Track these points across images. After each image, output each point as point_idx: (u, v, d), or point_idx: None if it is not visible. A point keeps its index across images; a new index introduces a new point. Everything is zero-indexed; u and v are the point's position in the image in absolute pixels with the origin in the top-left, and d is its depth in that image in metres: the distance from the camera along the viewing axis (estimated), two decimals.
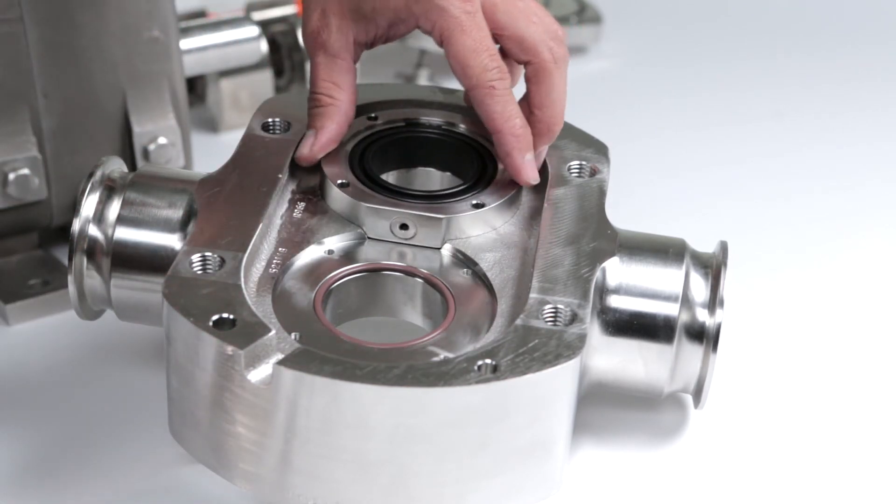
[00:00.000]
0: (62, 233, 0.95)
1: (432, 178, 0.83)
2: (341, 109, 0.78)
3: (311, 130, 0.78)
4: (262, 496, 0.69)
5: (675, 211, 1.03)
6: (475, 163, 0.80)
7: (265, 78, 1.11)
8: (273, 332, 0.66)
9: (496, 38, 0.77)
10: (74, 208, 0.76)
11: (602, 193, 0.79)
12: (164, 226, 0.75)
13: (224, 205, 0.75)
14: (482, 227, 0.77)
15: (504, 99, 0.76)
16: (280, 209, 0.77)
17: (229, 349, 0.65)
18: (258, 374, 0.66)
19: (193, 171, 0.87)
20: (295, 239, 0.75)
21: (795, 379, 0.86)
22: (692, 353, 0.74)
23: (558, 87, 0.77)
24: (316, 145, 0.78)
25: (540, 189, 0.80)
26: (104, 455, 0.77)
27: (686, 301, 0.74)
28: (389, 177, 0.82)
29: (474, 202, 0.77)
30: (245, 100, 1.11)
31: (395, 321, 0.77)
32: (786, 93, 1.24)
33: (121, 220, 0.75)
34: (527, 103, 0.77)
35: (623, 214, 0.81)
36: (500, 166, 0.80)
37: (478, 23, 0.75)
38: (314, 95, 0.78)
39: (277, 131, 0.82)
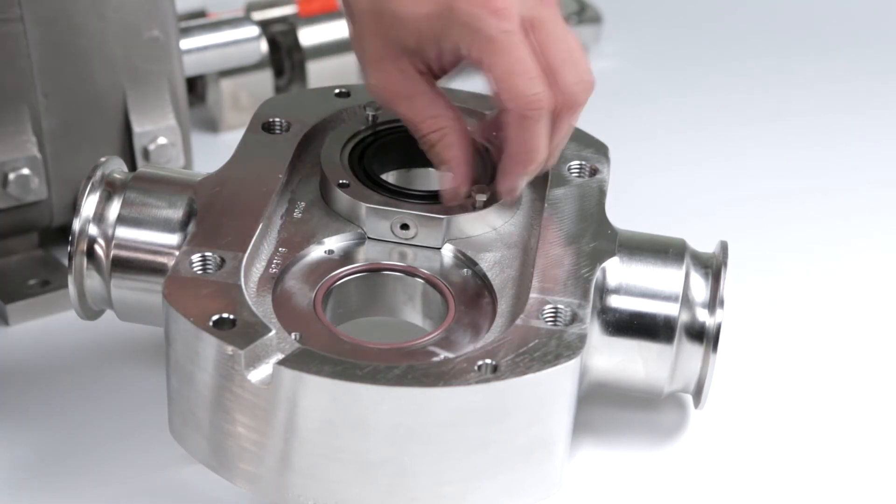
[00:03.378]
0: (62, 233, 0.95)
1: (432, 178, 0.83)
2: (453, 133, 0.74)
3: (442, 167, 0.75)
4: (262, 496, 0.69)
5: (675, 211, 1.02)
6: (475, 163, 0.80)
7: (265, 78, 1.11)
8: (273, 332, 0.66)
9: None
10: (74, 208, 0.76)
11: (602, 193, 0.79)
12: (164, 226, 0.75)
13: (224, 205, 0.75)
14: (482, 227, 0.77)
15: (533, 130, 0.71)
16: (280, 209, 0.77)
17: (229, 349, 0.65)
18: (258, 374, 0.66)
19: (193, 171, 0.87)
20: (295, 239, 0.75)
21: (795, 379, 0.86)
22: (692, 353, 0.74)
23: (525, 137, 0.72)
24: (458, 180, 0.75)
25: (540, 189, 0.80)
26: (104, 455, 0.77)
27: (686, 301, 0.74)
28: (389, 177, 0.82)
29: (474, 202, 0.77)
30: (245, 100, 1.11)
31: (395, 321, 0.77)
32: (786, 93, 1.24)
33: (121, 220, 0.75)
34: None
35: (623, 214, 0.80)
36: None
37: (516, 41, 0.69)
38: (422, 138, 0.75)
39: (277, 131, 0.82)
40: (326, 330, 0.70)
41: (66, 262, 0.76)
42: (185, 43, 0.99)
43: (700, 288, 0.75)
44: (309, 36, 1.12)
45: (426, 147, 0.75)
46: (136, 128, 0.93)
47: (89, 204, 0.75)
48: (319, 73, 1.12)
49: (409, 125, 0.75)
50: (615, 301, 0.74)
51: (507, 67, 0.70)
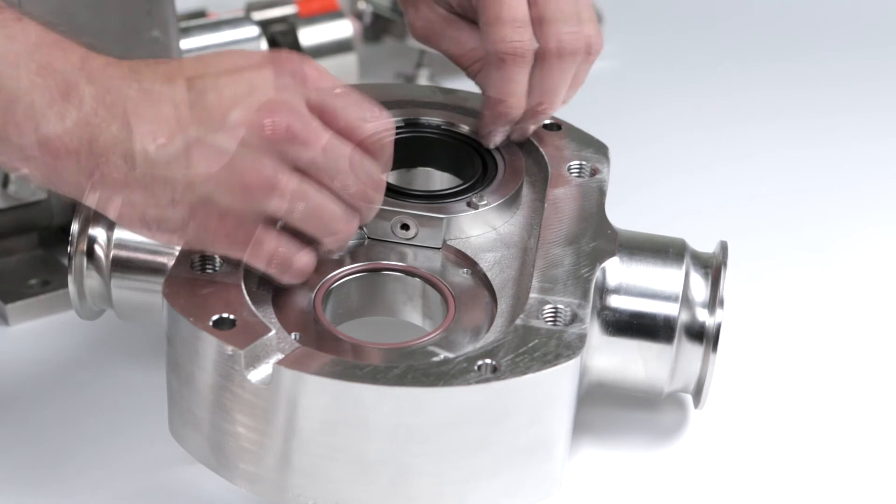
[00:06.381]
0: (62, 233, 0.95)
1: (432, 178, 0.83)
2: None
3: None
4: (262, 496, 0.69)
5: (675, 211, 1.02)
6: (475, 163, 0.80)
7: None
8: (273, 332, 0.66)
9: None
10: (74, 208, 0.76)
11: (602, 193, 0.79)
12: None
13: None
14: (482, 227, 0.77)
15: (508, 75, 0.76)
16: None
17: (229, 349, 0.65)
18: (258, 374, 0.66)
19: None
20: None
21: (795, 379, 0.86)
22: (692, 352, 0.74)
23: (550, 76, 0.78)
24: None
25: (540, 189, 0.80)
26: (104, 455, 0.77)
27: (686, 301, 0.74)
28: (389, 177, 0.81)
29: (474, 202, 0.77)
30: None
31: (395, 321, 0.77)
32: (786, 93, 1.24)
33: None
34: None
35: (623, 214, 0.80)
36: (500, 165, 0.79)
37: None
38: (467, 69, 0.81)
39: None
40: (326, 330, 0.70)
41: (66, 262, 0.76)
42: (185, 43, 0.99)
43: (700, 288, 0.75)
44: (309, 36, 1.12)
45: (471, 75, 0.81)
46: None
47: None
48: None
49: (453, 59, 0.81)
50: (615, 301, 0.74)
51: (496, 13, 0.76)
